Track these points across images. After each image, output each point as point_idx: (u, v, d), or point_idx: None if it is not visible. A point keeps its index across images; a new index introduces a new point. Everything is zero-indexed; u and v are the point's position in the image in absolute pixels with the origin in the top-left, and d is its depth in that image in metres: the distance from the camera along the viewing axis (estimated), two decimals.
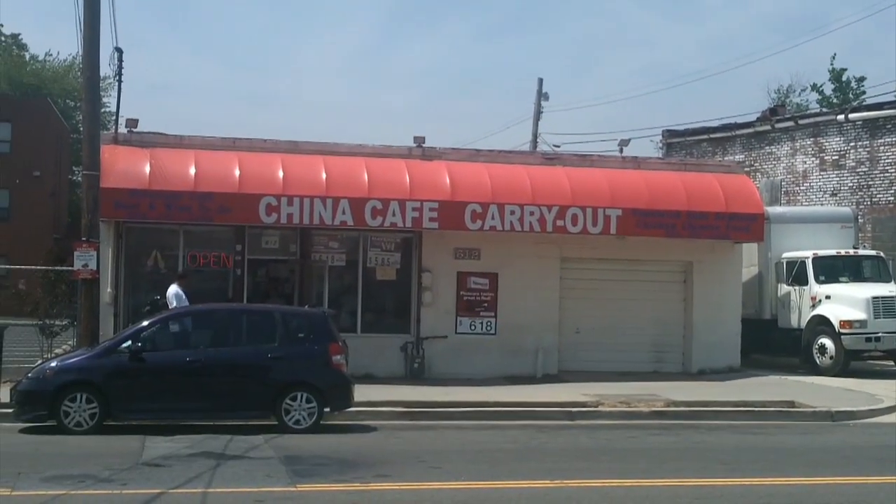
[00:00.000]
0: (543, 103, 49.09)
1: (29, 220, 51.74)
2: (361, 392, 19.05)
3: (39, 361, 19.82)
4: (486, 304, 25.22)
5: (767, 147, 37.32)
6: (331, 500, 11.64)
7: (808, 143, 35.77)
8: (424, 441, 16.74)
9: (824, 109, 45.57)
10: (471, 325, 25.09)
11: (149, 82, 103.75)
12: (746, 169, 33.73)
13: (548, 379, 24.48)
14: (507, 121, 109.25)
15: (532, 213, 24.19)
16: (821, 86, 57.91)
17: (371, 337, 24.36)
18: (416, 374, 24.27)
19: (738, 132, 38.66)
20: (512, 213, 24.10)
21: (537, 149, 45.29)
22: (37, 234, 48.37)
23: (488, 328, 25.14)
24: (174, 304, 21.41)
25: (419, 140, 25.39)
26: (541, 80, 49.16)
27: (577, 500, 11.82)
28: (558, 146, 46.37)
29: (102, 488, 12.03)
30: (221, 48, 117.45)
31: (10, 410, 17.25)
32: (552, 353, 25.35)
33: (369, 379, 22.56)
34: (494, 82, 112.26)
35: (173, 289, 21.88)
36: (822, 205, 34.18)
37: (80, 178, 26.73)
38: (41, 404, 16.62)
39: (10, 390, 17.46)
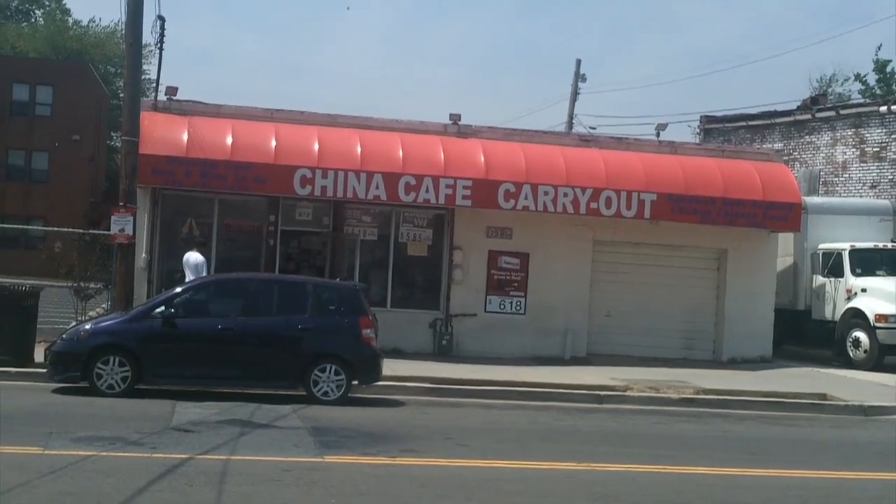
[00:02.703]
0: (581, 85, 48.84)
1: (67, 183, 52.07)
2: (389, 366, 19.10)
3: (74, 323, 19.97)
4: (516, 284, 25.18)
5: (807, 136, 36.97)
6: (357, 472, 11.67)
7: (849, 133, 35.40)
8: (451, 418, 16.76)
9: (866, 100, 45.05)
10: (500, 305, 25.07)
11: (192, 51, 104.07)
12: (785, 158, 33.43)
13: (576, 361, 24.47)
14: (543, 101, 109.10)
15: (566, 195, 24.10)
16: (864, 76, 57.23)
17: (400, 312, 24.40)
18: (444, 351, 24.28)
19: (778, 120, 38.28)
20: (545, 193, 24.02)
21: (573, 130, 45.11)
22: (74, 197, 48.71)
23: (518, 308, 25.11)
24: (191, 273, 21.46)
25: (455, 117, 25.33)
26: (579, 62, 48.91)
27: (601, 484, 11.79)
28: (594, 128, 46.18)
29: (132, 451, 12.12)
30: (262, 19, 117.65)
31: (44, 370, 17.42)
32: (581, 336, 25.31)
33: (397, 354, 22.63)
34: (532, 61, 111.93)
35: (194, 256, 21.91)
36: (860, 197, 33.84)
37: (118, 144, 26.85)
38: (74, 365, 16.75)
39: (45, 351, 17.62)
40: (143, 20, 21.41)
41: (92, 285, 22.91)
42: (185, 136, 23.11)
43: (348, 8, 46.34)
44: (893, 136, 33.78)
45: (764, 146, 36.97)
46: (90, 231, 23.61)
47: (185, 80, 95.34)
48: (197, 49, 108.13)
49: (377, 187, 23.43)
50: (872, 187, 34.26)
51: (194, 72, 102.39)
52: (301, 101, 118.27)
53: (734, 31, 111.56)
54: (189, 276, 21.25)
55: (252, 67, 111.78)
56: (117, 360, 16.70)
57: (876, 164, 34.26)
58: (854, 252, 26.68)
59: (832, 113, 36.44)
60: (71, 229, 24.57)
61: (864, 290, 26.15)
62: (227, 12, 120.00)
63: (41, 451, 11.76)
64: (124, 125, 21.36)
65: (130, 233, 20.69)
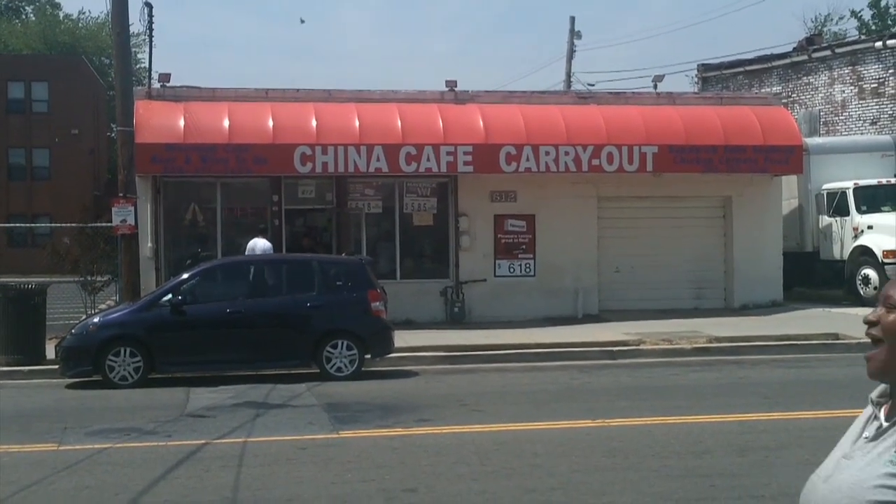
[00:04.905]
0: (576, 42, 48.71)
1: (69, 178, 52.16)
2: (402, 338, 19.14)
3: (83, 318, 20.04)
4: (524, 247, 25.17)
5: (805, 77, 36.77)
6: (373, 445, 11.70)
7: (846, 71, 35.20)
8: (466, 384, 16.79)
9: (862, 37, 44.73)
10: (509, 268, 25.06)
11: (186, 37, 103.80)
12: (784, 100, 33.28)
13: (588, 319, 24.46)
14: (540, 62, 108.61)
15: (567, 154, 24.05)
16: (859, 12, 56.87)
17: (410, 283, 24.44)
18: (456, 319, 24.30)
19: (775, 63, 38.09)
20: (547, 154, 23.97)
21: (571, 88, 44.93)
22: (78, 192, 48.77)
23: (527, 270, 25.11)
24: None
25: (451, 84, 25.22)
26: (573, 19, 48.76)
27: (618, 439, 11.81)
28: (592, 85, 46.05)
29: (147, 440, 12.17)
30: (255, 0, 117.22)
31: (55, 367, 17.46)
32: (592, 293, 25.31)
33: (410, 325, 22.69)
34: (527, 23, 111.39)
35: (262, 242, 21.98)
36: (861, 134, 33.68)
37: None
38: (85, 360, 16.78)
39: (55, 347, 17.68)
40: (130, 9, 21.38)
41: (99, 278, 22.96)
42: (181, 123, 23.08)
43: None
44: (890, 72, 33.59)
45: (762, 90, 36.80)
46: (92, 224, 23.61)
47: (184, 67, 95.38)
48: (192, 34, 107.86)
49: (378, 160, 23.38)
50: (873, 123, 34.09)
51: (191, 57, 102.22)
52: (303, 81, 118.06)
53: None
54: None
55: (249, 50, 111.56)
56: (128, 351, 16.75)
57: (875, 100, 34.07)
58: (858, 190, 26.56)
59: (828, 52, 36.24)
60: (74, 224, 24.60)
61: (870, 227, 26.04)
62: None
63: (56, 446, 11.80)
64: (119, 115, 21.44)
65: (132, 223, 20.73)
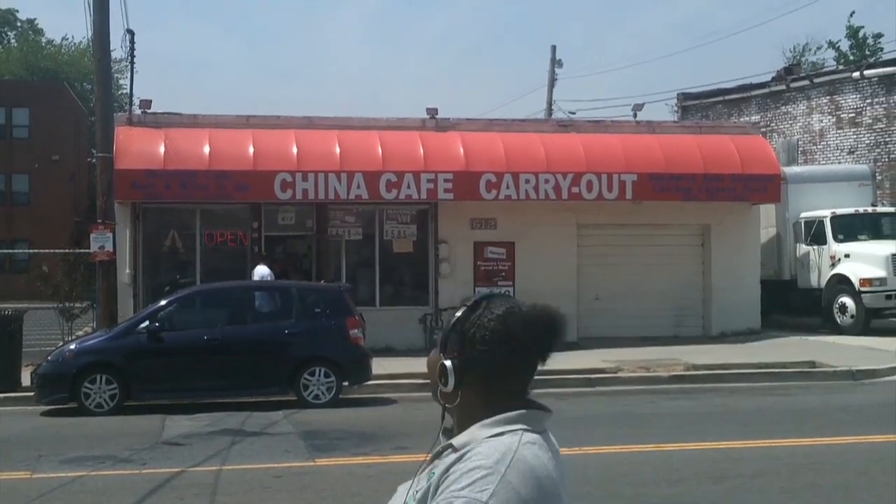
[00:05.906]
0: (558, 70, 48.82)
1: (49, 204, 51.93)
2: (381, 365, 19.10)
3: (60, 344, 19.95)
4: (503, 274, 25.19)
5: (783, 107, 37.01)
6: (349, 473, 11.68)
7: (824, 101, 35.45)
8: None
9: (840, 67, 45.08)
10: None
11: (168, 61, 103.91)
12: (762, 130, 33.46)
13: (567, 346, 24.08)
14: (523, 89, 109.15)
15: (547, 181, 24.14)
16: (837, 42, 57.34)
17: (390, 310, 24.41)
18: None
19: (754, 93, 38.35)
20: (527, 181, 24.05)
21: (553, 116, 45.10)
22: (58, 217, 48.55)
23: None
24: None
25: (432, 111, 25.32)
26: (554, 48, 48.87)
27: (594, 467, 11.79)
28: (573, 113, 46.21)
29: (122, 468, 12.11)
30: (240, 24, 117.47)
31: (31, 394, 17.34)
32: (571, 321, 25.09)
33: (389, 352, 22.64)
34: (510, 51, 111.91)
35: (260, 269, 21.89)
36: (839, 163, 33.88)
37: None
38: (61, 387, 16.69)
39: (31, 374, 17.57)
40: (112, 35, 21.39)
41: (77, 305, 22.87)
42: (161, 149, 23.08)
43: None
44: (868, 101, 33.85)
45: (741, 119, 37.04)
46: (71, 250, 23.53)
47: (166, 91, 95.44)
48: (174, 58, 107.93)
49: (358, 187, 23.42)
50: (850, 153, 34.32)
51: (173, 82, 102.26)
52: (284, 104, 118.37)
53: (709, 7, 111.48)
54: None
55: (232, 73, 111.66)
56: (104, 378, 16.65)
57: (852, 129, 34.32)
58: (835, 219, 26.69)
59: (806, 82, 36.51)
60: (51, 250, 24.52)
61: (847, 256, 26.15)
62: (206, 19, 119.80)
63: (29, 474, 11.72)
64: (99, 141, 21.40)
65: (111, 249, 20.68)
